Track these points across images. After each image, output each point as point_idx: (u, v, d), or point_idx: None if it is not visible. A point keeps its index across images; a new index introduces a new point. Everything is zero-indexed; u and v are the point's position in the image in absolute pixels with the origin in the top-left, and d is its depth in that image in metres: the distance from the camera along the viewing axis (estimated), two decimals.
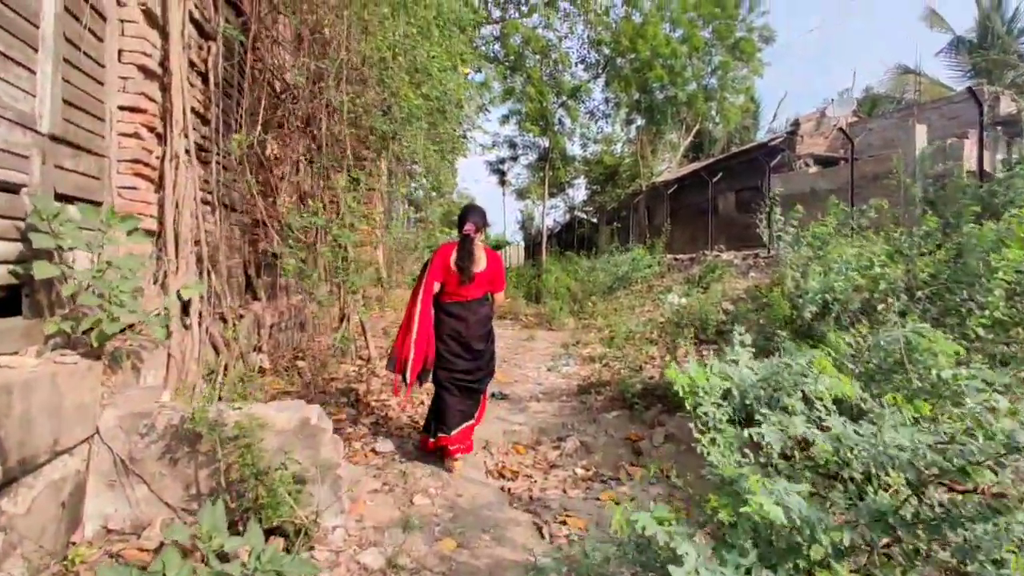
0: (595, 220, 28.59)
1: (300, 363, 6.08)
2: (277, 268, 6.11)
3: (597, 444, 4.51)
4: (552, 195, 27.33)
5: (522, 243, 41.34)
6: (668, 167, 22.53)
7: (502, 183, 24.80)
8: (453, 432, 3.77)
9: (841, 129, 10.81)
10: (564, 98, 19.00)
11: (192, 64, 4.30)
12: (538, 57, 18.22)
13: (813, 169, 14.18)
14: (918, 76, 21.27)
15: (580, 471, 4.17)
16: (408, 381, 3.77)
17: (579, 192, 29.82)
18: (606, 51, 20.01)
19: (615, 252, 11.66)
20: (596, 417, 4.86)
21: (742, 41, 21.61)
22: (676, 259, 14.49)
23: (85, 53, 3.09)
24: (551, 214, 29.54)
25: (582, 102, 20.30)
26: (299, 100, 5.30)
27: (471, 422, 3.95)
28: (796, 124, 15.42)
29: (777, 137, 15.98)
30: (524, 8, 18.58)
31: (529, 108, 18.08)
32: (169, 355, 3.34)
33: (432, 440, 3.89)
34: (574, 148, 24.60)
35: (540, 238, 26.53)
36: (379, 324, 11.30)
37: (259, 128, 4.74)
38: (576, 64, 19.51)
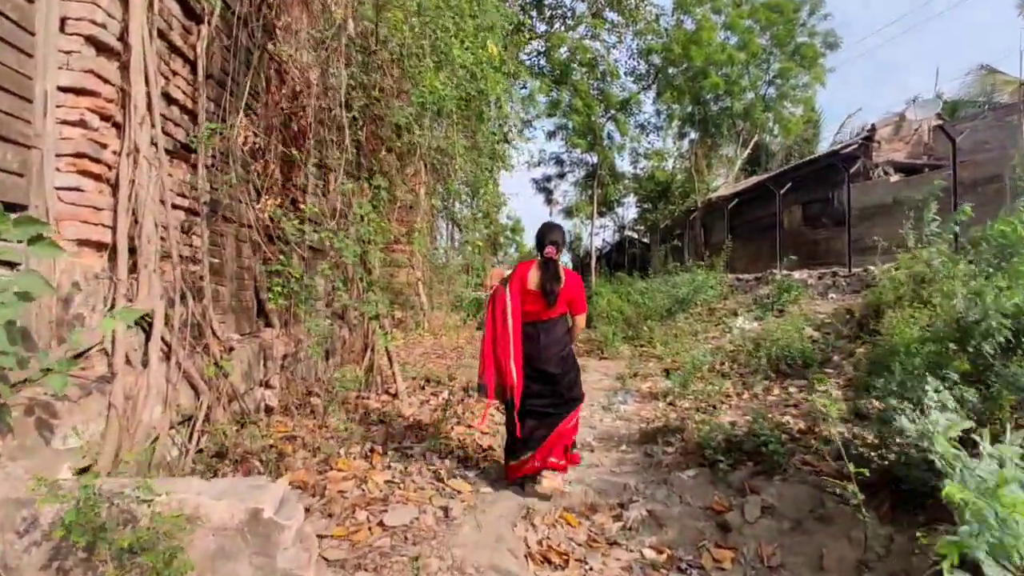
0: (647, 240, 27.42)
1: (315, 399, 5.29)
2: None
3: (670, 514, 3.50)
4: (601, 214, 26.35)
5: (570, 264, 40.37)
6: (725, 182, 21.25)
7: (548, 201, 24.01)
8: (529, 454, 3.62)
9: (940, 126, 9.51)
10: (613, 111, 18.11)
11: (175, 48, 3.60)
12: (585, 70, 17.43)
13: (895, 177, 12.77)
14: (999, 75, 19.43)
15: (650, 552, 3.18)
16: (517, 406, 3.57)
17: (629, 211, 28.76)
18: (656, 61, 19.11)
19: (673, 272, 10.56)
20: (667, 477, 3.84)
21: (803, 47, 20.38)
22: (739, 279, 13.23)
23: (2, 14, 2.38)
24: (600, 233, 28.57)
25: (632, 115, 19.39)
26: (306, 91, 4.57)
27: (533, 455, 3.65)
28: (872, 129, 14.04)
29: (851, 144, 14.60)
30: (570, 21, 17.92)
31: (576, 122, 17.26)
32: (110, 404, 2.54)
33: (514, 463, 3.72)
34: (623, 164, 23.65)
35: (589, 259, 25.58)
36: (415, 351, 10.52)
37: (240, 117, 3.98)
38: (625, 76, 18.68)
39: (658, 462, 4.11)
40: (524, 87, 19.82)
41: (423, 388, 6.72)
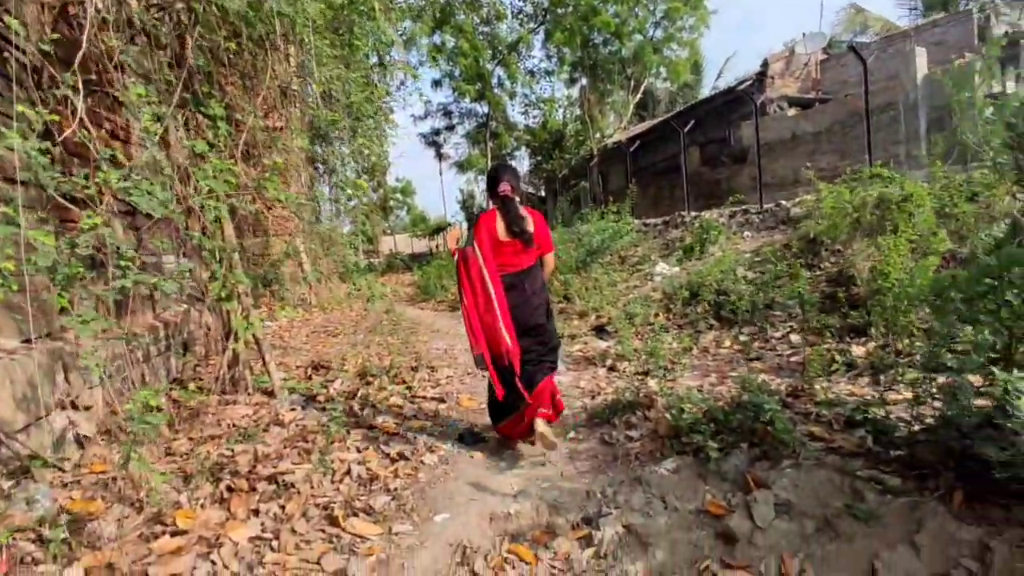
0: (543, 193, 26.74)
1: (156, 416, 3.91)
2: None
3: (655, 527, 2.60)
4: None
5: (464, 223, 39.15)
6: (619, 127, 20.79)
7: (439, 156, 22.52)
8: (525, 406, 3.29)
9: (851, 47, 9.23)
10: (502, 53, 16.86)
11: None
12: (469, 10, 15.99)
13: (792, 111, 12.65)
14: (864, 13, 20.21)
15: None
16: (515, 373, 3.25)
17: (522, 164, 27.85)
18: (543, 1, 17.99)
19: (584, 220, 9.73)
20: (639, 474, 2.93)
21: None
22: (646, 224, 12.72)
23: None
24: None
25: (522, 59, 18.23)
26: None
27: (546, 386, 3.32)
28: (765, 65, 13.87)
29: (746, 80, 14.41)
30: None
31: (464, 66, 15.88)
32: None
33: (514, 418, 3.40)
34: (515, 114, 22.60)
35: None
36: (303, 331, 9.09)
37: None
38: (512, 16, 17.41)
39: (624, 453, 3.19)
40: (402, 33, 18.08)
41: (310, 379, 5.45)
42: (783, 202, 9.37)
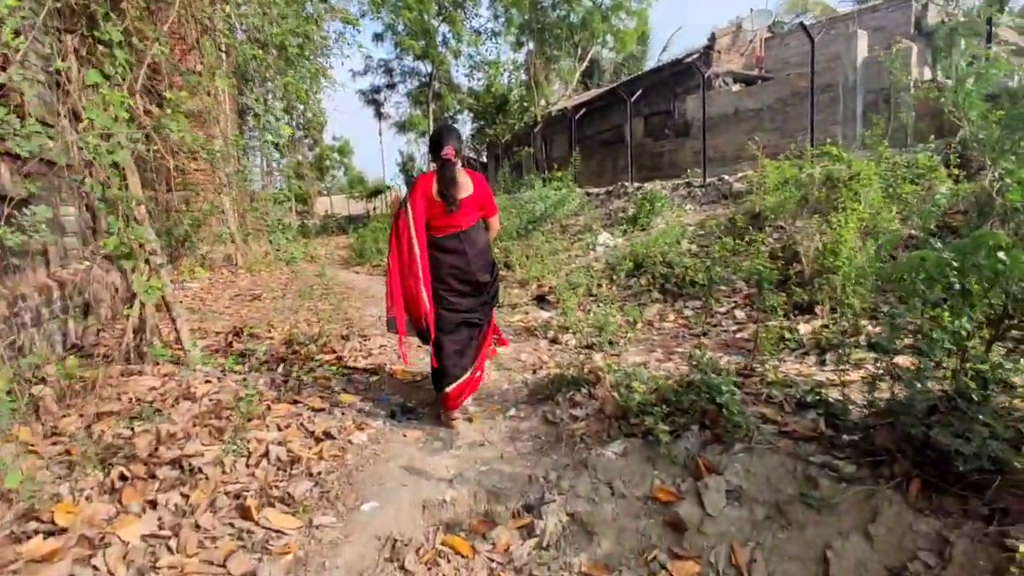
0: (484, 159, 26.21)
1: (45, 390, 3.44)
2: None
3: (601, 515, 2.45)
4: None
5: (404, 187, 38.10)
6: (565, 95, 20.48)
7: (379, 116, 21.56)
8: (456, 383, 3.31)
9: (802, 25, 9.25)
10: (448, 9, 16.12)
11: None
12: None
13: (736, 87, 12.70)
14: None
15: None
16: (431, 338, 3.30)
17: (465, 128, 27.16)
18: None
19: (525, 186, 9.41)
20: (585, 457, 2.76)
21: None
22: (588, 193, 12.59)
23: None
24: None
25: (468, 17, 17.52)
26: None
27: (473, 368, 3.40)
28: (712, 39, 13.82)
29: (692, 53, 14.33)
30: None
31: (408, 19, 15.06)
32: None
33: (451, 389, 3.31)
34: (459, 76, 21.89)
35: None
36: (225, 293, 8.48)
37: None
38: None
39: (568, 433, 3.01)
40: None
41: (230, 346, 5.02)
42: (725, 176, 9.40)
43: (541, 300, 6.08)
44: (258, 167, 22.99)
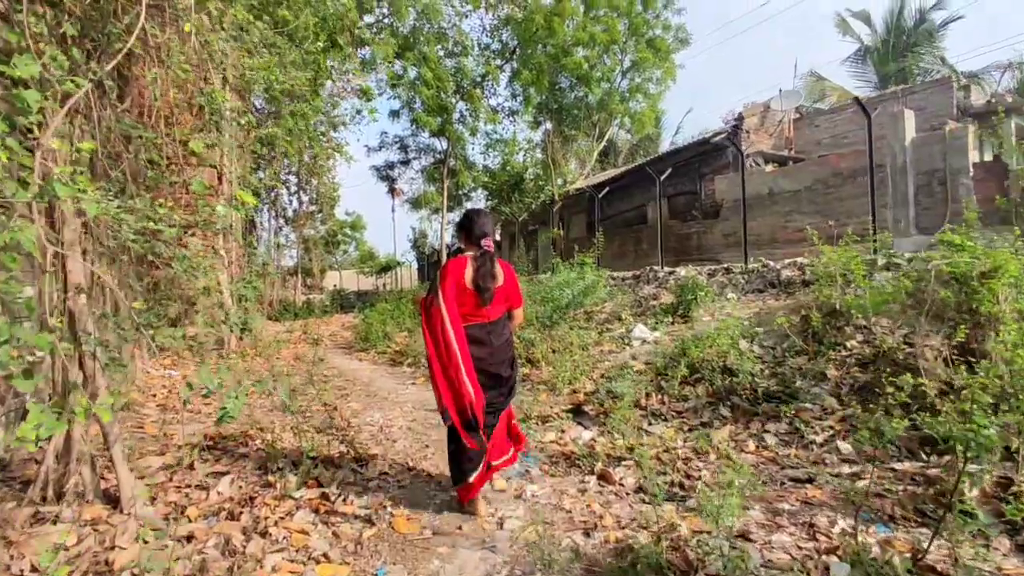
0: (498, 237, 25.74)
1: None
2: None
3: None
4: (449, 208, 24.19)
5: (415, 263, 37.74)
6: (582, 174, 20.10)
7: (391, 191, 21.22)
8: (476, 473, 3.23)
9: (856, 99, 8.61)
10: (466, 88, 15.91)
11: None
12: (434, 35, 15.00)
13: (770, 167, 12.08)
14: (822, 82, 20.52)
15: None
16: (479, 425, 3.12)
17: (478, 205, 26.86)
18: (509, 39, 17.26)
19: (554, 270, 8.50)
20: None
21: (657, 40, 19.81)
22: (612, 278, 11.74)
23: None
24: (450, 229, 26.32)
25: (487, 95, 17.36)
26: None
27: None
28: (740, 119, 13.38)
29: (720, 132, 13.87)
30: None
31: (425, 96, 14.79)
32: None
33: (474, 479, 3.23)
34: (475, 154, 21.71)
35: (437, 258, 23.37)
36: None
37: None
38: (479, 51, 16.57)
39: None
40: (362, 58, 16.99)
41: (192, 467, 3.99)
42: (768, 262, 8.51)
43: (578, 412, 5.04)
44: (265, 240, 22.51)
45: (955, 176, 8.78)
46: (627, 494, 3.39)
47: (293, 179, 21.64)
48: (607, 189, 14.67)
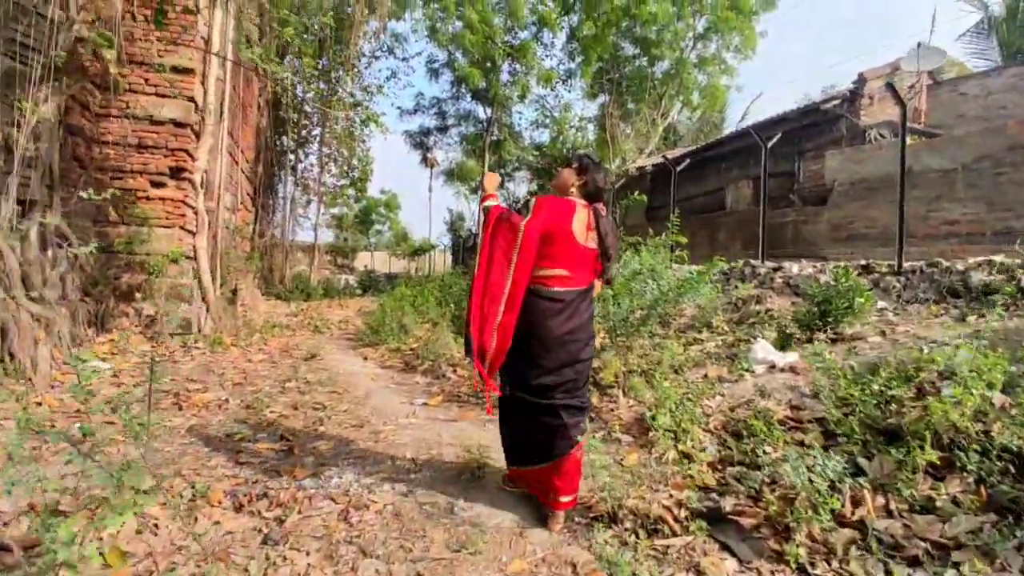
0: None
1: None
2: None
3: None
4: None
5: (450, 248, 35.64)
6: (647, 151, 17.53)
7: (425, 160, 18.96)
8: (529, 468, 2.75)
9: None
10: (514, 42, 13.49)
11: None
12: None
13: (909, 141, 9.39)
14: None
15: None
16: (484, 377, 2.59)
17: (521, 187, 24.49)
18: None
19: (643, 256, 6.10)
20: None
21: None
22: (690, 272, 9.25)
23: None
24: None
25: (541, 47, 14.84)
26: None
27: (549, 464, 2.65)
28: (861, 81, 10.67)
29: (833, 98, 11.19)
30: None
31: (470, 42, 12.39)
32: None
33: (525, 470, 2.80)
34: (522, 126, 19.36)
35: (474, 240, 21.20)
36: (138, 388, 5.34)
37: None
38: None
39: None
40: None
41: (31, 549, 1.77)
42: (941, 261, 5.93)
43: (716, 518, 2.64)
44: (307, 217, 20.52)
45: None
46: None
47: (325, 150, 19.65)
48: (682, 166, 12.12)
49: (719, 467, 3.17)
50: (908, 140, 9.57)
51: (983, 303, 5.20)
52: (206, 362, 6.44)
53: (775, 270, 7.60)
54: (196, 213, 7.75)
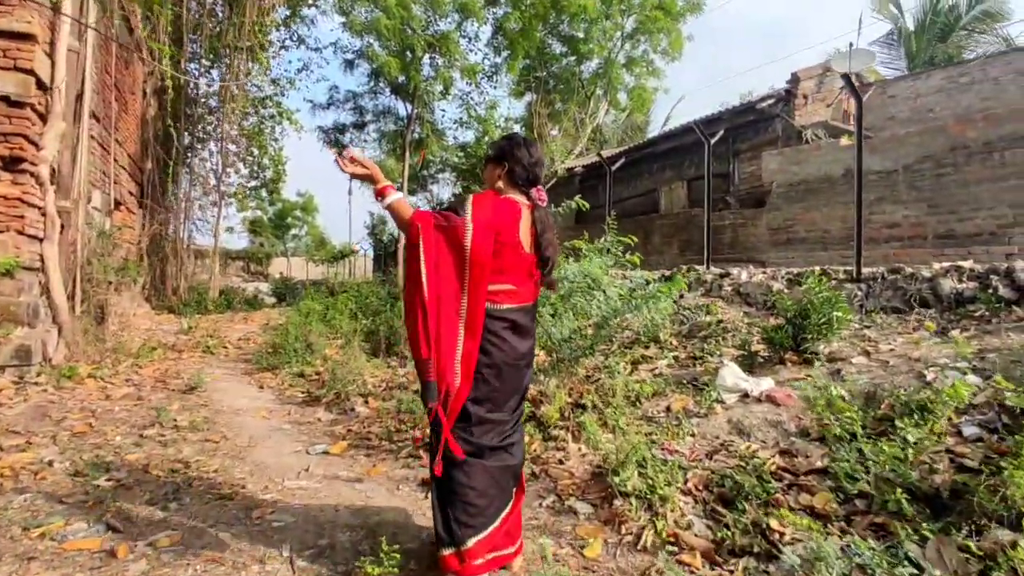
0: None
1: None
2: None
3: None
4: (411, 191, 20.72)
5: (371, 252, 34.11)
6: (575, 152, 16.96)
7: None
8: (492, 528, 2.10)
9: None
10: (436, 33, 12.51)
11: None
12: None
13: (845, 141, 9.11)
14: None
15: None
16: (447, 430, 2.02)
17: (445, 189, 23.44)
18: None
19: (583, 264, 5.22)
20: None
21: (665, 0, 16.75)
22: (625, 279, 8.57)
23: None
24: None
25: (467, 39, 13.94)
26: None
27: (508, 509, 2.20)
28: (794, 80, 10.41)
29: (768, 97, 10.89)
30: None
31: (386, 28, 11.27)
32: None
33: (474, 543, 2.05)
34: (445, 126, 18.36)
35: (395, 246, 20.04)
36: None
37: None
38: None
39: None
40: None
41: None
42: (904, 267, 5.45)
43: None
44: (206, 221, 18.45)
45: None
46: None
47: (232, 147, 17.84)
48: (617, 165, 11.50)
49: (719, 556, 2.33)
50: (843, 141, 9.36)
51: (958, 314, 4.72)
52: (44, 403, 5.08)
53: (722, 276, 7.00)
54: (44, 214, 6.30)
